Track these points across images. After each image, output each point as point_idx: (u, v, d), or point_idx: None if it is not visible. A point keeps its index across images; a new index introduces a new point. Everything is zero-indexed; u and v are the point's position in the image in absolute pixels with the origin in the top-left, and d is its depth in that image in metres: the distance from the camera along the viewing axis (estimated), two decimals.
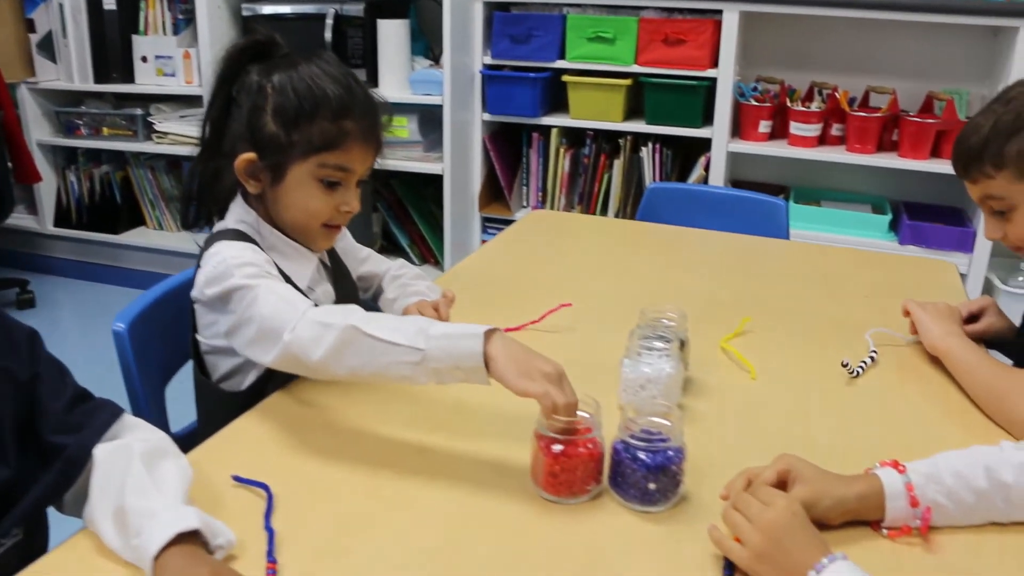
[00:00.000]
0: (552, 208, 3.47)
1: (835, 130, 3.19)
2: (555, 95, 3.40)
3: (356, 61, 3.44)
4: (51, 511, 1.10)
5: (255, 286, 1.24)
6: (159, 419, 1.51)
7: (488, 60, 3.36)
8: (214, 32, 3.60)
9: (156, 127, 3.87)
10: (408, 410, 1.31)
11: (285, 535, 1.02)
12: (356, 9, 3.39)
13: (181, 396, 1.54)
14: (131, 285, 3.98)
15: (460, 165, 3.44)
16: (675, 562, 1.00)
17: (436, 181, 3.44)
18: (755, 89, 3.25)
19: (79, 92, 4.02)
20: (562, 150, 3.40)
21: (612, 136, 3.38)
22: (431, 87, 3.34)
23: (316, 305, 1.21)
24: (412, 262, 3.67)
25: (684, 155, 3.35)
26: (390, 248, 3.77)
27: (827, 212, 3.23)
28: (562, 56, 3.28)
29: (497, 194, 3.60)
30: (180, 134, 3.79)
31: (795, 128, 3.16)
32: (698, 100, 3.16)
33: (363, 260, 1.66)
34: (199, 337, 1.40)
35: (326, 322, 1.15)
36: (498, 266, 2.01)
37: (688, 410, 1.33)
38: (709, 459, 1.18)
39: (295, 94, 1.31)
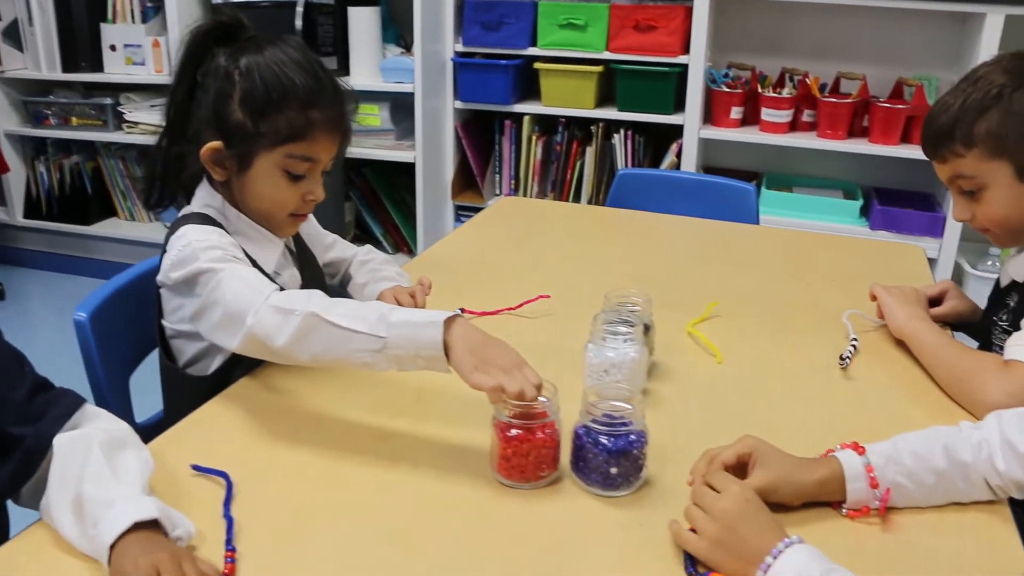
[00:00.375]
0: (525, 195, 3.46)
1: (806, 116, 3.20)
2: (527, 82, 3.39)
3: (327, 49, 3.42)
4: (9, 503, 1.09)
5: (220, 270, 1.24)
6: (123, 409, 1.50)
7: (459, 47, 3.35)
8: (183, 20, 3.57)
9: (126, 116, 3.83)
10: (372, 396, 1.30)
11: (245, 523, 1.01)
12: None
13: (150, 386, 1.53)
14: (103, 276, 3.89)
15: (432, 153, 3.43)
16: (637, 546, 1.00)
17: (408, 169, 3.42)
18: (726, 75, 3.25)
19: (47, 81, 3.98)
20: (534, 137, 3.39)
21: (584, 123, 3.37)
22: (402, 75, 3.32)
23: (282, 289, 1.21)
24: (385, 251, 3.66)
25: (656, 142, 3.35)
26: (363, 237, 3.75)
27: (799, 198, 3.24)
28: (533, 43, 3.28)
29: (470, 182, 3.59)
30: (151, 124, 3.75)
31: (766, 114, 3.17)
32: (670, 87, 3.16)
33: (329, 246, 1.66)
34: (165, 322, 1.39)
35: (287, 308, 1.14)
36: (468, 252, 2.01)
37: (653, 394, 1.33)
38: (673, 443, 1.18)
39: (263, 83, 1.29)
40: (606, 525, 1.03)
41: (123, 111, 3.84)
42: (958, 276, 3.09)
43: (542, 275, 1.83)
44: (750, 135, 3.20)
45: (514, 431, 1.06)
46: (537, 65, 3.27)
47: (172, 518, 0.95)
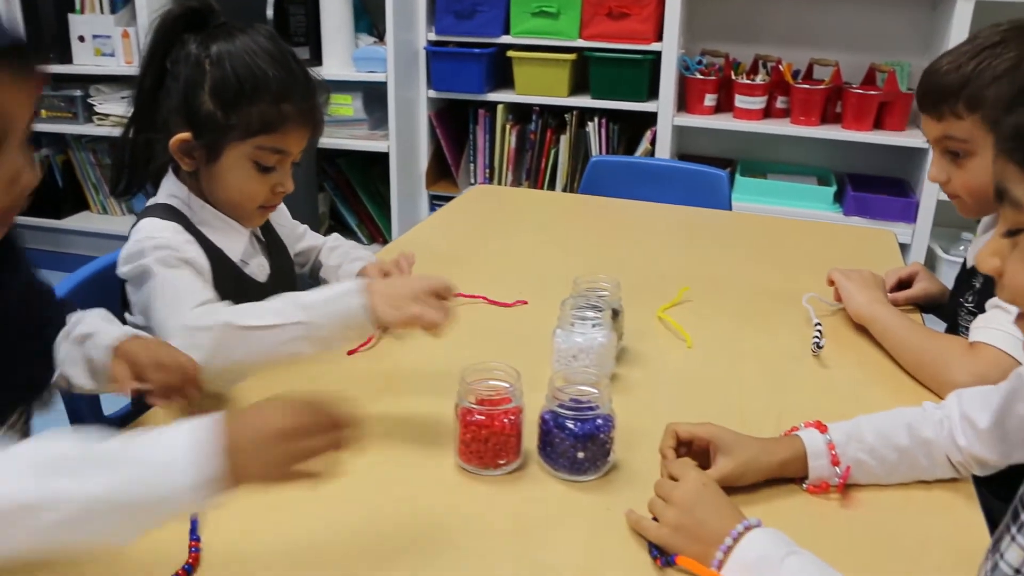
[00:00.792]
0: (500, 184, 3.45)
1: (780, 103, 3.21)
2: (500, 71, 3.38)
3: (299, 39, 3.39)
4: None
5: (156, 275, 1.25)
6: (91, 401, 1.48)
7: (432, 36, 3.33)
8: (153, 10, 3.52)
9: (97, 108, 3.79)
10: (339, 383, 1.30)
11: (210, 513, 1.00)
12: None
13: None
14: (75, 270, 3.90)
15: (406, 143, 3.41)
16: (604, 530, 1.00)
17: (382, 159, 3.41)
18: (700, 63, 3.25)
19: None
20: (508, 126, 3.38)
21: (558, 111, 3.37)
22: (375, 64, 3.30)
23: (251, 278, 1.20)
24: (360, 241, 3.65)
25: (630, 129, 3.35)
26: (337, 228, 3.73)
27: (773, 184, 3.24)
28: (507, 31, 3.26)
29: (444, 172, 3.58)
30: (122, 116, 3.70)
31: (740, 101, 3.17)
32: (643, 74, 3.16)
33: (300, 236, 1.65)
34: (127, 315, 1.38)
35: (198, 326, 1.15)
36: (440, 240, 2.00)
37: (622, 379, 1.33)
38: (641, 428, 1.17)
39: (235, 73, 1.28)
40: (573, 510, 1.03)
41: (93, 103, 3.80)
42: (931, 261, 3.10)
43: (514, 262, 1.83)
44: (724, 122, 3.20)
45: (474, 416, 1.06)
46: (510, 53, 3.26)
47: None
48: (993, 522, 1.02)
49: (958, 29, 2.77)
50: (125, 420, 1.26)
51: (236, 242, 1.40)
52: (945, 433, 1.09)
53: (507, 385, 1.07)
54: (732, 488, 1.05)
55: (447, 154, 3.48)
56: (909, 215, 3.07)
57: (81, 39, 3.74)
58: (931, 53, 3.04)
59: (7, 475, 0.74)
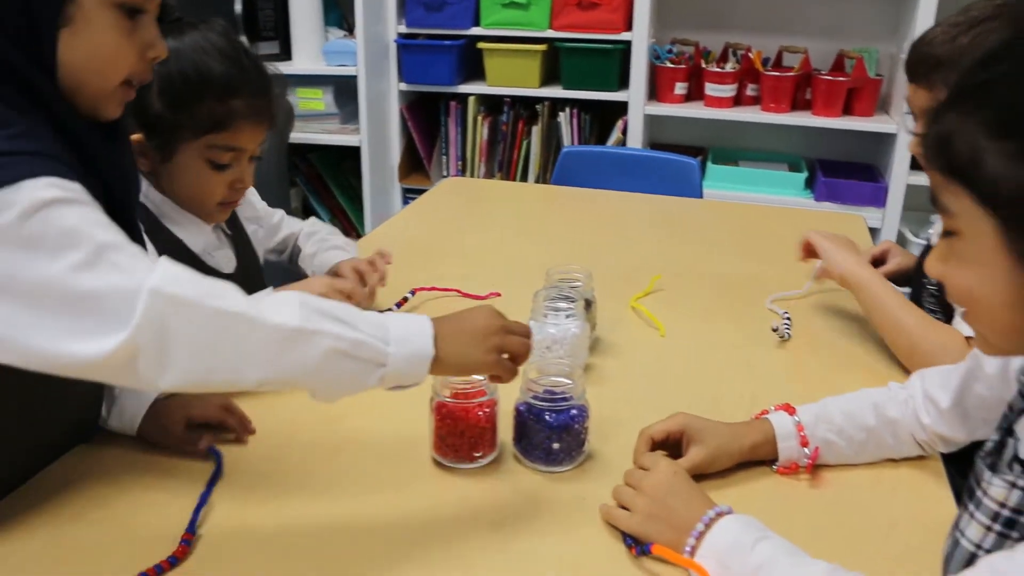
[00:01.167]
0: (472, 176, 3.45)
1: (750, 90, 3.22)
2: (471, 63, 3.37)
3: (267, 33, 3.37)
4: None
5: None
6: None
7: (403, 29, 3.32)
8: None
9: None
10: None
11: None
12: None
13: None
14: None
15: (378, 136, 3.40)
16: (580, 521, 1.01)
17: (354, 153, 3.39)
18: (670, 51, 3.25)
19: None
20: (480, 118, 3.38)
21: (530, 102, 3.36)
22: (345, 58, 3.29)
23: (215, 269, 1.19)
24: None
25: (602, 119, 3.35)
26: None
27: (745, 172, 3.26)
28: (477, 23, 3.25)
29: (416, 165, 3.57)
30: None
31: (710, 89, 3.18)
32: (614, 63, 3.16)
33: (277, 226, 1.65)
34: None
35: None
36: (413, 233, 2.00)
37: (596, 369, 1.34)
38: (615, 418, 1.19)
39: (180, 72, 1.26)
40: (550, 501, 1.04)
41: None
42: (901, 244, 3.09)
43: (487, 254, 1.83)
44: (695, 110, 3.21)
45: (449, 410, 1.06)
46: (481, 45, 3.25)
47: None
48: (960, 499, 1.04)
49: (924, 15, 2.78)
50: None
51: (198, 235, 1.39)
52: (910, 412, 1.11)
53: (481, 378, 1.07)
54: (705, 473, 1.07)
55: (419, 147, 3.47)
56: (879, 199, 3.09)
57: None
58: (899, 39, 3.07)
59: (284, 308, 0.86)
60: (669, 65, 3.20)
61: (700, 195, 2.33)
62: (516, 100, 3.36)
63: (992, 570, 0.71)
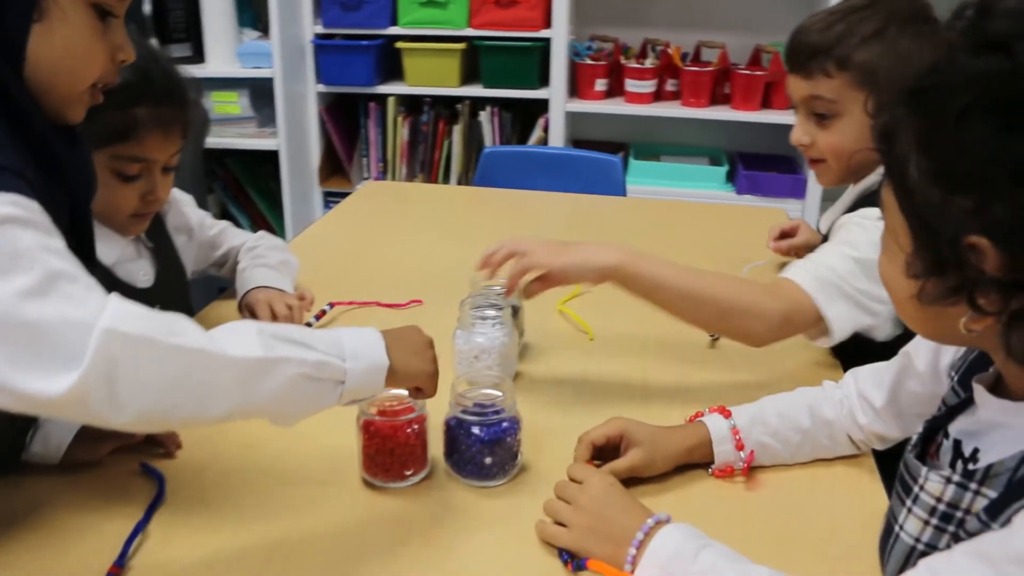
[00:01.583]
0: (394, 178, 3.40)
1: (670, 85, 3.23)
2: (390, 63, 3.32)
3: (179, 35, 3.27)
4: None
5: None
6: None
7: (319, 29, 3.25)
8: None
9: None
10: None
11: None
12: None
13: None
14: None
15: (296, 140, 3.34)
16: (517, 536, 0.98)
17: (273, 157, 3.32)
18: (589, 48, 3.25)
19: None
20: (400, 119, 3.34)
21: (450, 102, 3.33)
22: (261, 60, 3.21)
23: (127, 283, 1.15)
24: None
25: (523, 117, 3.34)
26: None
27: (666, 167, 3.27)
28: (395, 22, 3.21)
29: (337, 167, 3.51)
30: None
31: (630, 85, 3.18)
32: (533, 61, 3.14)
33: (216, 238, 1.58)
34: None
35: None
36: (334, 241, 1.96)
37: (525, 377, 1.32)
38: (547, 426, 1.17)
39: None
40: (484, 516, 1.02)
41: None
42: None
43: (410, 261, 1.80)
44: (615, 107, 3.21)
45: (377, 428, 1.03)
46: (399, 44, 3.21)
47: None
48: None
49: None
50: None
51: (109, 246, 1.32)
52: (845, 412, 1.11)
53: (406, 392, 1.04)
54: (640, 478, 1.05)
55: (339, 149, 3.41)
56: (799, 191, 3.13)
57: None
58: None
59: (243, 339, 0.84)
60: (589, 62, 3.20)
61: (624, 193, 2.33)
62: (436, 100, 3.33)
63: (932, 572, 0.71)
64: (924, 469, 0.81)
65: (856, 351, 1.32)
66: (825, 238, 1.42)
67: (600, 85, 3.22)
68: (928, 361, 0.97)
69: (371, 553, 0.96)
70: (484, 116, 3.26)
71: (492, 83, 3.20)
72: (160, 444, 1.11)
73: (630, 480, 1.04)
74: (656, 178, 3.21)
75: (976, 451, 0.80)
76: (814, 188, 3.08)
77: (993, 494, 0.74)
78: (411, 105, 3.38)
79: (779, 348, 1.39)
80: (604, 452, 1.08)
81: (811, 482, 1.09)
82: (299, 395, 0.87)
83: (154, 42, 3.14)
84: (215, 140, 3.24)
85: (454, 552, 0.96)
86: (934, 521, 0.79)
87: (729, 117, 3.14)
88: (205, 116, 2.91)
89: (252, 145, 3.34)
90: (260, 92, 3.30)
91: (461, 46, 3.17)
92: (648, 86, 3.18)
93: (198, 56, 3.29)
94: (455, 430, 1.04)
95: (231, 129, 3.33)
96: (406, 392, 1.03)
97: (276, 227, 3.53)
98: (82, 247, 1.01)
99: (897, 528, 0.82)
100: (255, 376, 0.83)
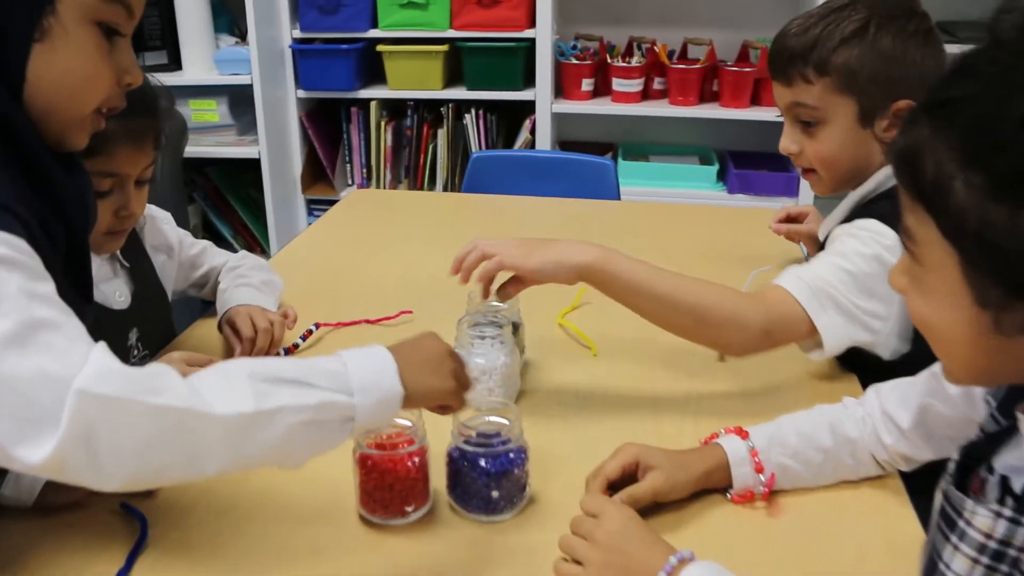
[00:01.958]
0: (378, 184, 3.33)
1: (657, 84, 3.17)
2: (371, 66, 3.25)
3: (154, 42, 3.19)
4: None
5: None
6: None
7: (297, 33, 3.18)
8: None
9: None
10: None
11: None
12: None
13: None
14: None
15: (277, 147, 3.26)
16: (527, 573, 0.92)
17: (254, 165, 3.24)
18: (575, 47, 3.19)
19: None
20: (383, 123, 3.26)
21: (434, 105, 3.26)
22: (239, 66, 3.13)
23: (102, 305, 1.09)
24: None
25: (509, 119, 3.27)
26: (212, 240, 3.51)
27: (656, 167, 3.21)
28: (375, 25, 3.14)
29: (320, 174, 3.44)
30: None
31: (617, 84, 3.12)
32: (518, 62, 3.08)
33: (197, 258, 1.52)
34: None
35: None
36: (320, 255, 1.88)
37: (528, 398, 1.25)
38: (554, 452, 1.10)
39: None
40: (492, 554, 0.95)
41: None
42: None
43: (400, 273, 1.73)
44: (602, 106, 3.15)
45: (375, 462, 0.96)
46: (380, 48, 3.14)
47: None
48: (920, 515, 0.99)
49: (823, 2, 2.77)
50: None
51: None
52: (868, 431, 1.05)
53: (408, 423, 0.98)
54: (657, 505, 0.99)
55: (321, 156, 3.34)
56: (791, 189, 3.08)
57: None
58: None
59: (233, 390, 0.77)
60: (574, 62, 3.13)
61: (618, 196, 2.27)
62: (419, 103, 3.26)
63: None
64: (969, 502, 0.74)
65: (864, 364, 1.27)
66: (822, 246, 1.37)
67: (586, 85, 3.16)
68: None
69: None
70: (469, 119, 3.19)
71: (476, 85, 3.13)
72: None
73: (646, 510, 0.98)
74: (645, 179, 3.15)
75: None
76: (807, 186, 3.01)
77: None
78: (394, 109, 3.31)
79: (795, 362, 1.34)
80: (619, 482, 1.01)
81: (836, 506, 1.03)
82: (302, 442, 0.80)
83: None
84: (194, 149, 3.16)
85: None
86: (985, 560, 0.73)
87: (718, 115, 3.08)
88: (183, 124, 2.84)
89: (232, 153, 3.26)
90: (239, 99, 3.22)
91: (443, 48, 3.10)
92: (635, 85, 3.12)
93: (174, 63, 3.22)
94: (458, 462, 0.98)
95: (210, 137, 3.25)
96: (407, 422, 0.96)
97: (259, 236, 3.46)
98: (78, 283, 0.95)
99: (943, 567, 0.76)
100: (248, 432, 0.77)
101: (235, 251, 3.30)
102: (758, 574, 0.82)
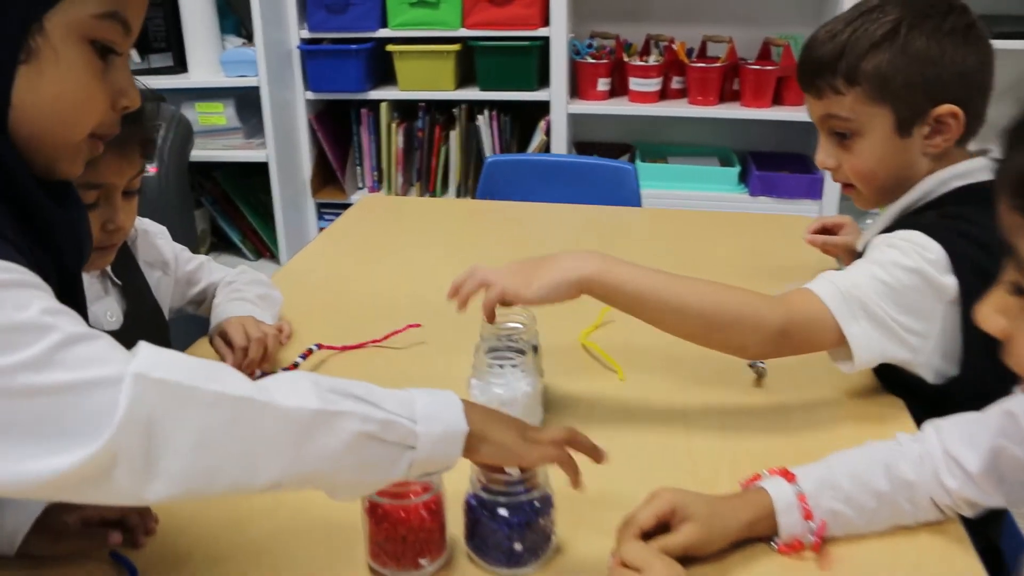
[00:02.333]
0: (389, 188, 3.25)
1: (675, 83, 3.08)
2: (381, 67, 3.17)
3: (159, 44, 3.12)
4: None
5: None
6: None
7: (305, 34, 3.10)
8: None
9: None
10: None
11: None
12: None
13: None
14: None
15: (286, 150, 3.18)
16: None
17: (262, 169, 3.16)
18: (590, 46, 3.10)
19: None
20: (394, 125, 3.18)
21: (446, 106, 3.18)
22: (245, 68, 3.06)
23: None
24: (246, 257, 3.41)
25: (523, 120, 3.19)
26: (221, 245, 3.48)
27: (675, 168, 3.12)
28: (384, 24, 3.06)
29: (330, 178, 3.36)
30: None
31: (635, 84, 3.03)
32: (532, 61, 2.99)
33: (193, 274, 1.44)
34: None
35: None
36: (329, 266, 1.80)
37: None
38: (582, 494, 1.01)
39: None
40: None
41: None
42: None
43: (411, 286, 1.64)
44: (619, 107, 3.07)
45: (386, 511, 0.87)
46: (390, 47, 3.05)
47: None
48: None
49: None
50: None
51: None
52: (928, 473, 0.95)
53: None
54: (696, 558, 0.90)
55: (331, 159, 3.26)
56: (815, 191, 2.98)
57: None
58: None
59: (296, 388, 0.74)
60: (590, 60, 3.05)
61: (638, 203, 2.17)
62: (431, 104, 3.18)
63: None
64: None
65: (906, 385, 1.18)
66: (860, 256, 1.28)
67: (602, 85, 3.07)
68: None
69: None
70: (482, 120, 3.10)
71: (489, 85, 3.05)
72: (129, 529, 0.96)
73: (683, 560, 0.89)
74: (664, 181, 3.06)
75: None
76: (832, 188, 2.93)
77: None
78: (405, 111, 3.23)
79: (837, 389, 1.24)
80: (652, 531, 0.92)
81: (893, 556, 0.93)
82: (361, 459, 0.75)
83: (134, 54, 3.00)
84: (200, 153, 3.08)
85: None
86: None
87: (739, 115, 2.99)
88: (188, 127, 2.76)
89: (240, 157, 3.19)
90: (246, 101, 3.15)
91: (455, 47, 3.02)
92: (653, 84, 3.03)
93: (180, 66, 3.16)
94: (477, 511, 0.89)
95: (217, 141, 3.19)
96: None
97: (269, 241, 3.39)
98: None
99: None
100: (311, 431, 0.73)
101: (245, 257, 3.26)
102: None
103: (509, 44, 2.97)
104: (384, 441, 0.76)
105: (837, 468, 0.97)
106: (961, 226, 1.13)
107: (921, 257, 1.10)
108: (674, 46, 3.02)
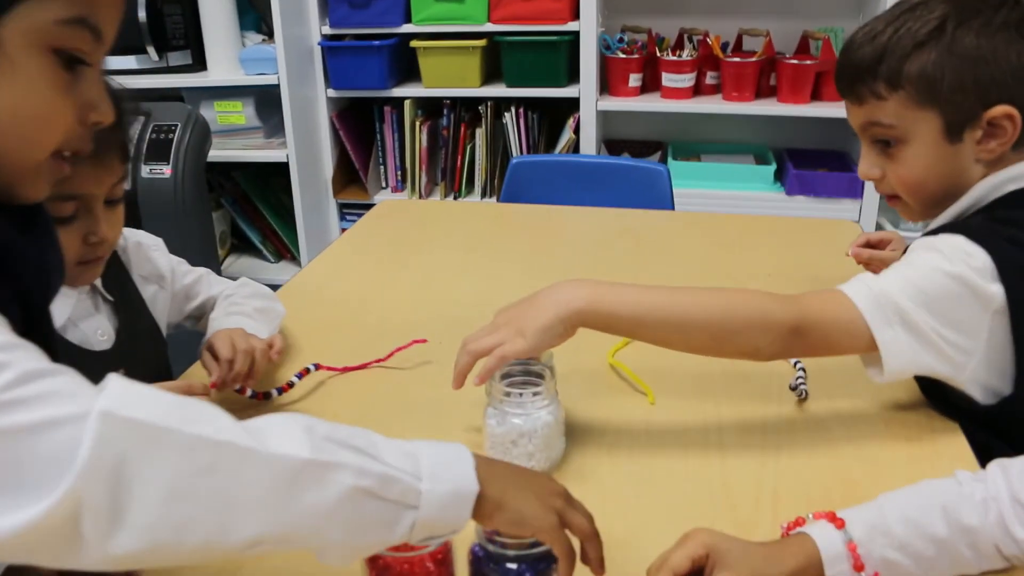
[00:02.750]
0: (413, 188, 3.16)
1: (710, 78, 2.98)
2: (405, 63, 3.09)
3: (178, 42, 3.05)
4: None
5: None
6: None
7: (326, 30, 3.03)
8: None
9: None
10: None
11: None
12: None
13: None
14: None
15: (307, 149, 3.11)
16: None
17: (283, 169, 3.09)
18: (621, 40, 3.00)
19: None
20: (418, 123, 3.09)
21: (471, 103, 3.09)
22: (265, 65, 2.98)
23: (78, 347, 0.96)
24: (266, 259, 3.34)
25: (551, 118, 3.09)
26: (241, 247, 3.42)
27: (709, 167, 3.01)
28: (408, 19, 2.97)
29: (352, 177, 3.28)
30: None
31: (667, 79, 2.93)
32: (561, 57, 2.90)
33: (191, 288, 1.36)
34: None
35: None
36: (343, 275, 1.71)
37: (572, 461, 1.06)
38: (606, 534, 0.91)
39: None
40: None
41: None
42: None
43: (426, 298, 1.55)
44: (651, 103, 2.96)
45: (387, 563, 0.78)
46: (414, 43, 2.97)
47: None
48: None
49: None
50: None
51: (59, 302, 1.10)
52: (993, 518, 0.85)
53: None
54: None
55: (354, 158, 3.18)
56: (855, 190, 2.86)
57: None
58: (865, 17, 2.84)
59: (286, 434, 0.66)
60: (621, 56, 2.94)
61: (671, 205, 2.07)
62: (456, 101, 3.09)
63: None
64: None
65: (954, 404, 1.08)
66: None
67: (634, 80, 2.97)
68: None
69: None
70: (509, 118, 3.01)
71: (516, 82, 2.96)
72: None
73: None
74: (697, 179, 2.95)
75: None
76: (872, 186, 2.81)
77: None
78: (429, 108, 3.15)
79: (883, 414, 1.14)
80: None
81: None
82: (355, 517, 0.67)
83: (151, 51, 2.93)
84: (219, 153, 3.02)
85: None
86: None
87: (776, 111, 2.87)
88: (206, 126, 2.70)
89: (260, 157, 3.12)
90: (266, 100, 3.08)
91: (481, 43, 2.93)
92: (686, 80, 2.92)
93: (199, 64, 3.10)
94: (483, 563, 0.79)
95: (237, 140, 3.12)
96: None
97: (290, 243, 3.32)
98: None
99: None
100: (297, 484, 0.64)
101: (265, 259, 3.18)
102: None
103: (537, 39, 2.88)
104: (382, 498, 0.67)
105: (890, 511, 0.86)
106: (1010, 231, 1.03)
107: (966, 264, 1.01)
108: (708, 40, 2.91)
